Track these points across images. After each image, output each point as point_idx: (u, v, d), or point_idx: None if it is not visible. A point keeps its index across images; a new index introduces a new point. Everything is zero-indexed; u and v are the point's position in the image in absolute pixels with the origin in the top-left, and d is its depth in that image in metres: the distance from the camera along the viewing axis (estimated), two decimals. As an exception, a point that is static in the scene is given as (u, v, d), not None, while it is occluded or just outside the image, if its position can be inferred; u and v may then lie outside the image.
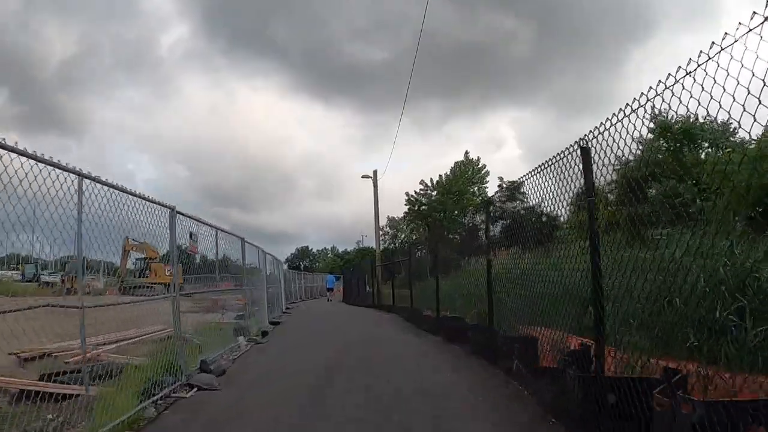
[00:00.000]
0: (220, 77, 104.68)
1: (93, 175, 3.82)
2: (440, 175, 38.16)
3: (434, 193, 37.54)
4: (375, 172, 22.72)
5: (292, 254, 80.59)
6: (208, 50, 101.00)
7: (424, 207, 37.38)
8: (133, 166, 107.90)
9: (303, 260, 78.02)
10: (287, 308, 18.98)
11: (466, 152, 39.79)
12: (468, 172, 37.51)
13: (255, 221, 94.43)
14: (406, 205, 38.85)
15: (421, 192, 38.30)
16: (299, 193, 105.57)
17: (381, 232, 63.53)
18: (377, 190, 22.43)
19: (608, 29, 62.06)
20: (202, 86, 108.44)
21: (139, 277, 5.74)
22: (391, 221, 63.74)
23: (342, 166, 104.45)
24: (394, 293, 15.94)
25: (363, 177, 23.10)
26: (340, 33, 77.92)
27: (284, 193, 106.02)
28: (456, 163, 38.73)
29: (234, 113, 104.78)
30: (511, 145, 79.60)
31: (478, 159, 38.95)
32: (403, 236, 38.83)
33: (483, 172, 38.09)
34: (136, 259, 5.95)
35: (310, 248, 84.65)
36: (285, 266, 19.92)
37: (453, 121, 76.32)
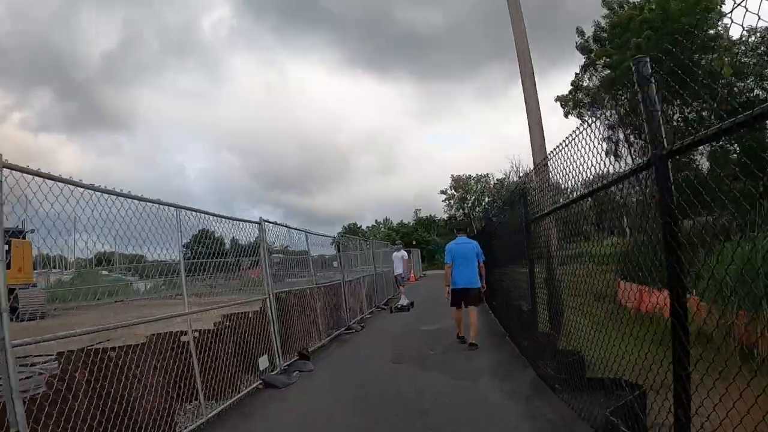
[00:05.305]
0: (270, 57, 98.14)
1: None
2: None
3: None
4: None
5: (339, 234, 71.09)
6: (256, 29, 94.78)
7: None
8: (185, 155, 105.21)
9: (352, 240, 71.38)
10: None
11: None
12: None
13: (310, 204, 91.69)
14: (578, 36, 23.25)
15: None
16: (355, 172, 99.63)
17: (444, 197, 49.70)
18: None
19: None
20: (252, 67, 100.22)
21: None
22: (457, 181, 50.71)
23: (399, 141, 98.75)
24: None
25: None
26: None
27: (339, 173, 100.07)
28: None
29: (286, 93, 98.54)
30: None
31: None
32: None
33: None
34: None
35: (359, 225, 72.10)
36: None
37: (517, 86, 70.32)
